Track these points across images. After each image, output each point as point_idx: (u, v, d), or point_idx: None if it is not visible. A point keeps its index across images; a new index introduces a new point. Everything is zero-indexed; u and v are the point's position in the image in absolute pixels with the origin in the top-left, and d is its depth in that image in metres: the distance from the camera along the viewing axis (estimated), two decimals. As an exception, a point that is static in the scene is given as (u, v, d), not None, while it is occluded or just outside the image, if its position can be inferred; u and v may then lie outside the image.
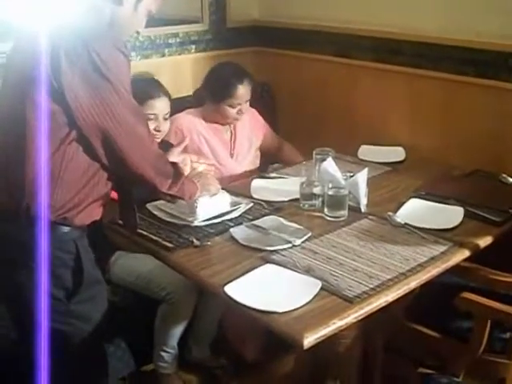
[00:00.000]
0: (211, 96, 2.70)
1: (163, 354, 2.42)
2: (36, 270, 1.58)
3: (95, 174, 1.67)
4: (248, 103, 2.73)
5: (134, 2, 1.69)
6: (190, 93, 3.00)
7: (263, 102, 3.02)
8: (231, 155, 2.78)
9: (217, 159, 2.71)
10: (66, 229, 1.65)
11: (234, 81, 2.66)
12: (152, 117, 2.41)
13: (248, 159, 2.83)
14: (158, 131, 2.44)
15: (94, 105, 1.56)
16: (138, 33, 1.80)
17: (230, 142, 2.79)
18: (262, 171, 2.76)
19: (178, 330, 2.41)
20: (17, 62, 1.67)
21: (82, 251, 1.68)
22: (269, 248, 1.90)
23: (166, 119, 2.47)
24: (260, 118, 2.95)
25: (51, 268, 1.60)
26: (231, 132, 2.80)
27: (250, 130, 2.85)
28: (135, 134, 1.66)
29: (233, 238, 1.98)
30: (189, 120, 2.71)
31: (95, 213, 1.74)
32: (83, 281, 1.68)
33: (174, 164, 1.88)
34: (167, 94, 2.50)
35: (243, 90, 2.66)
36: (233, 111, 2.68)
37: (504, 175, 2.47)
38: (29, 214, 1.59)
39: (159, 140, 2.44)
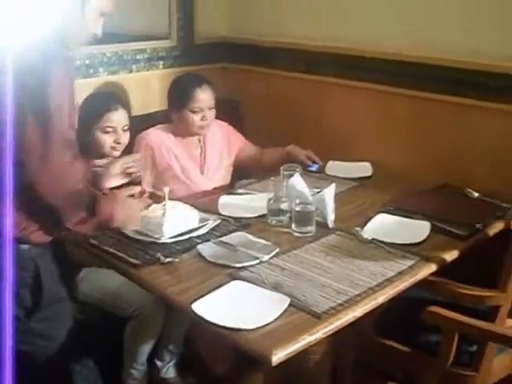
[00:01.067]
0: (174, 106, 2.71)
1: (133, 371, 2.39)
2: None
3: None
4: (212, 112, 2.72)
5: (80, 8, 1.64)
6: (158, 109, 2.99)
7: (231, 119, 3.01)
8: (201, 171, 2.77)
9: (187, 176, 2.71)
10: (25, 247, 1.62)
11: (192, 85, 2.69)
12: (110, 130, 2.45)
13: (219, 175, 2.82)
14: (118, 143, 2.47)
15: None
16: (96, 35, 1.76)
17: (199, 158, 2.78)
18: (230, 187, 2.76)
19: (147, 347, 2.38)
20: None
21: (43, 269, 1.65)
22: (236, 265, 1.89)
23: (125, 131, 2.51)
24: (235, 132, 2.94)
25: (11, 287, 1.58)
26: (201, 147, 2.79)
27: (221, 145, 2.85)
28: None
29: (200, 255, 1.97)
30: (157, 135, 2.71)
31: (52, 231, 1.71)
32: (42, 299, 1.65)
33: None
34: (126, 107, 2.54)
35: (203, 94, 2.67)
36: (196, 117, 2.67)
37: (469, 190, 2.50)
38: None
39: (119, 153, 2.46)
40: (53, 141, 1.57)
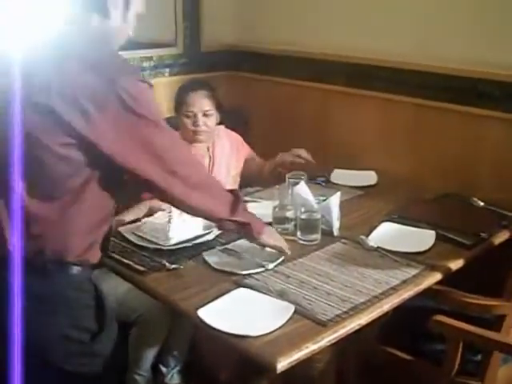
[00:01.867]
0: (175, 111, 2.73)
1: (137, 377, 2.39)
2: (57, 316, 1.52)
3: (110, 209, 1.64)
4: (210, 119, 2.69)
5: (122, 13, 1.60)
6: (164, 116, 2.99)
7: (236, 126, 3.02)
8: None
9: None
10: (79, 268, 1.57)
11: (186, 89, 2.70)
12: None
13: (226, 185, 2.81)
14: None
15: (135, 147, 1.51)
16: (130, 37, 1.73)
17: (208, 167, 2.78)
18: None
19: (151, 353, 2.38)
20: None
21: (101, 288, 1.64)
22: (242, 272, 1.89)
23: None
24: (243, 142, 2.92)
25: (71, 311, 1.55)
26: (210, 157, 2.78)
27: (229, 155, 2.84)
28: (183, 173, 1.62)
29: (206, 262, 1.97)
30: None
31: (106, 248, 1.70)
32: (106, 319, 1.61)
33: (232, 190, 1.86)
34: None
35: (195, 98, 2.65)
36: (188, 122, 2.65)
37: (475, 199, 2.50)
38: (43, 260, 1.51)
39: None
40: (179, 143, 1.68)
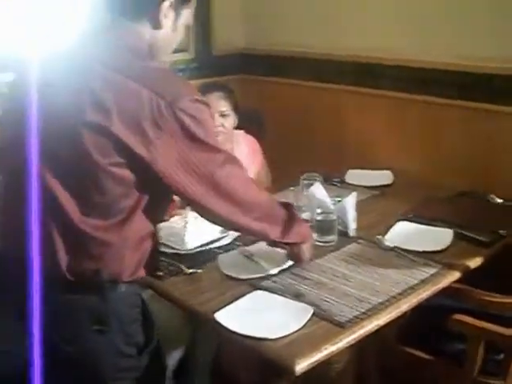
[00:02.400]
0: None
1: None
2: (111, 333, 1.50)
3: (156, 226, 1.61)
4: (227, 120, 2.68)
5: (173, 22, 1.56)
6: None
7: (250, 129, 3.01)
8: None
9: None
10: (127, 284, 1.55)
11: (202, 91, 2.65)
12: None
13: None
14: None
15: (189, 170, 1.47)
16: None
17: None
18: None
19: (172, 361, 2.36)
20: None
21: (147, 302, 1.62)
22: (256, 276, 1.88)
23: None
24: (260, 153, 2.89)
25: (123, 327, 1.53)
26: None
27: (246, 159, 2.80)
28: (233, 193, 1.58)
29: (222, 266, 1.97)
30: None
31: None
32: (154, 333, 1.60)
33: (287, 206, 1.80)
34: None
35: (211, 99, 2.60)
36: None
37: (492, 196, 2.48)
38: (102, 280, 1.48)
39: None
40: (233, 161, 1.61)
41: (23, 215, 1.08)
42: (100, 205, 1.46)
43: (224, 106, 2.68)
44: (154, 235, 1.61)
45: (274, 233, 1.74)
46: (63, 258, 1.46)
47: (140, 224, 1.51)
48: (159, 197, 1.53)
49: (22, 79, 1.48)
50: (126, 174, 1.42)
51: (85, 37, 1.55)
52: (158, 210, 1.58)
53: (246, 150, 2.82)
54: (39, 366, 0.76)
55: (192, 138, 1.44)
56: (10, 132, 1.54)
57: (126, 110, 1.38)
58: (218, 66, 3.45)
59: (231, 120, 2.72)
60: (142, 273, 1.58)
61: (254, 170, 2.85)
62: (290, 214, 1.78)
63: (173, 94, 1.42)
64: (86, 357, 1.50)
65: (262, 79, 3.50)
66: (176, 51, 3.25)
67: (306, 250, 1.89)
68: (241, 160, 2.73)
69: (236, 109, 2.73)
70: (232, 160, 1.61)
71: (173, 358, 2.36)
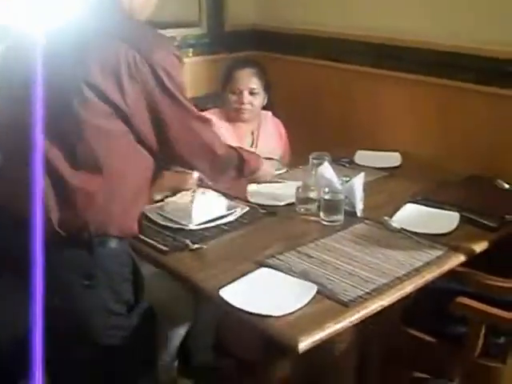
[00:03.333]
0: (221, 87, 2.72)
1: (161, 363, 2.39)
2: (101, 290, 1.55)
3: (148, 180, 1.67)
4: (256, 98, 2.67)
5: None
6: (189, 96, 2.99)
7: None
8: None
9: None
10: (117, 240, 1.60)
11: (234, 66, 2.70)
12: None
13: None
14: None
15: (155, 120, 1.56)
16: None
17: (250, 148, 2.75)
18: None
19: (175, 338, 2.37)
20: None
21: (137, 262, 1.66)
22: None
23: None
24: (285, 136, 2.88)
25: (113, 285, 1.58)
26: (252, 140, 2.75)
27: (274, 142, 2.78)
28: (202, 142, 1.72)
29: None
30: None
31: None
32: (143, 292, 1.65)
33: (238, 151, 1.96)
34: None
35: (243, 75, 2.64)
36: (234, 98, 2.64)
37: (499, 181, 2.47)
38: (89, 233, 1.54)
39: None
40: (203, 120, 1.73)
41: (23, 173, 1.11)
42: (89, 158, 1.51)
43: (255, 83, 2.66)
44: (144, 192, 1.66)
45: (227, 180, 1.99)
46: (54, 214, 1.50)
47: (132, 178, 1.59)
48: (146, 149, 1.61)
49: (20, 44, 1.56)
50: (111, 124, 1.50)
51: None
52: (148, 162, 1.64)
53: (276, 133, 2.80)
54: (40, 330, 0.77)
55: (163, 90, 1.53)
56: (7, 91, 1.62)
57: (107, 65, 1.48)
58: (229, 41, 3.43)
59: (260, 98, 2.70)
60: (133, 229, 1.63)
61: (279, 153, 2.84)
62: (240, 157, 1.95)
63: (148, 47, 1.51)
64: (77, 312, 1.55)
65: (273, 56, 3.47)
66: (188, 25, 3.29)
67: (262, 173, 2.12)
68: (268, 143, 2.73)
69: (267, 88, 2.71)
70: (201, 119, 1.71)
71: (177, 336, 2.38)
